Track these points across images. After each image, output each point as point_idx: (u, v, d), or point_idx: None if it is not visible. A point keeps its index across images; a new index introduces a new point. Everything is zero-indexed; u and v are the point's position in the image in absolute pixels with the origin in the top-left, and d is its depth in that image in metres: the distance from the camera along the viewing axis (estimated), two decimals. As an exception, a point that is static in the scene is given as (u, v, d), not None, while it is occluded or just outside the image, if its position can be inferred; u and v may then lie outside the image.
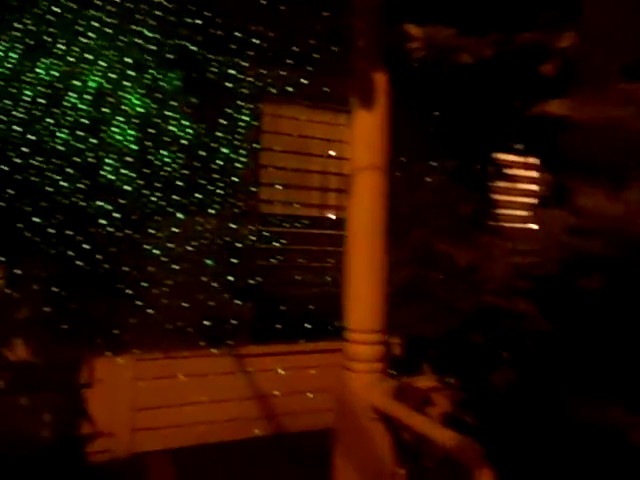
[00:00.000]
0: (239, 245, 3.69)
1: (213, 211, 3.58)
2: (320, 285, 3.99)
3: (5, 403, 3.01)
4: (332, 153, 4.23)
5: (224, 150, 3.65)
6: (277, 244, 3.91)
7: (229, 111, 3.67)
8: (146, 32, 3.36)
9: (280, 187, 3.98)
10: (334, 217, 4.20)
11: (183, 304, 3.43)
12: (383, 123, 2.63)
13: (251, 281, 3.73)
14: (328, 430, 2.72)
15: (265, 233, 3.86)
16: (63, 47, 3.21)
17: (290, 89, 3.90)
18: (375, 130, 2.62)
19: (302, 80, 3.91)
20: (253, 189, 3.81)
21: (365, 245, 2.64)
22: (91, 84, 3.26)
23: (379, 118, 2.62)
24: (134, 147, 3.35)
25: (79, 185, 3.20)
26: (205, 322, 3.49)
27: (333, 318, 3.86)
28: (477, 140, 3.37)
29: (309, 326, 3.85)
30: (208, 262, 3.56)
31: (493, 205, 3.60)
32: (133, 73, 3.36)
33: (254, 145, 3.80)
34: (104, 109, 3.28)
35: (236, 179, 3.67)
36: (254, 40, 3.73)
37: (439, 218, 3.30)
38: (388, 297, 2.67)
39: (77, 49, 3.24)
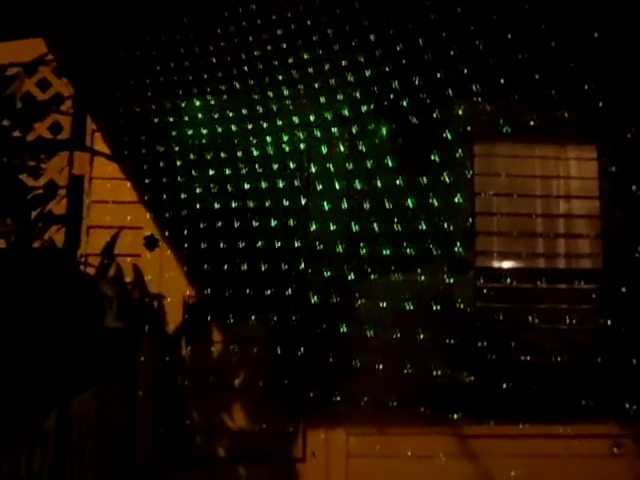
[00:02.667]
0: (455, 305, 3.22)
1: (425, 268, 3.21)
2: (557, 352, 3.27)
3: (223, 472, 2.94)
4: (558, 193, 3.57)
5: (434, 199, 3.29)
6: (499, 302, 3.34)
7: (437, 156, 3.32)
8: (349, 84, 3.26)
9: (499, 236, 3.44)
10: (566, 268, 3.48)
11: (396, 373, 3.07)
12: None
13: (472, 347, 3.21)
14: None
15: (484, 290, 3.33)
16: (273, 108, 3.25)
17: (505, 124, 3.41)
18: None
19: (517, 112, 3.40)
20: (468, 240, 3.34)
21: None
22: (300, 143, 3.24)
23: None
24: (342, 204, 3.20)
25: (290, 246, 3.13)
26: (422, 395, 3.07)
27: (580, 395, 3.11)
28: None
29: (548, 404, 3.14)
30: (422, 325, 3.16)
31: None
32: (338, 128, 3.26)
33: (467, 191, 3.36)
34: (312, 169, 3.22)
35: (449, 230, 3.26)
36: (460, 73, 3.38)
37: None
38: None
39: (286, 108, 3.27)
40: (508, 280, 3.37)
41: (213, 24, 3.23)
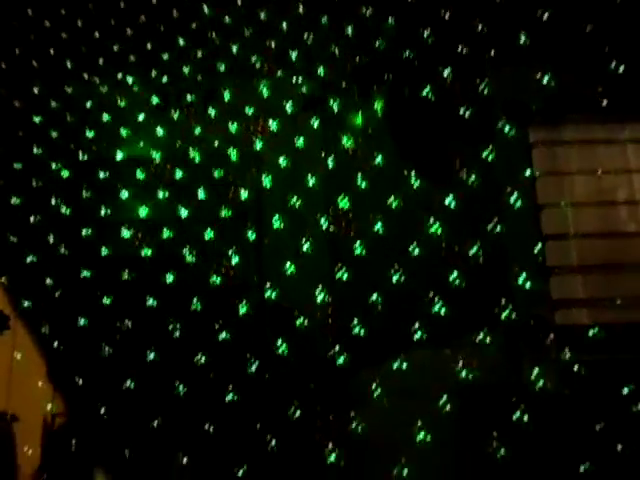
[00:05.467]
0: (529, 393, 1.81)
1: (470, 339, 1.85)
2: None
3: None
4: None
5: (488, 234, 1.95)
6: (600, 387, 1.87)
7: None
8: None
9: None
10: None
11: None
12: None
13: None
14: None
15: (576, 367, 1.87)
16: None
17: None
18: None
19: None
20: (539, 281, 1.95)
21: None
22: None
23: None
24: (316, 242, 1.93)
25: (235, 320, 1.87)
26: None
27: None
28: None
29: None
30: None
31: None
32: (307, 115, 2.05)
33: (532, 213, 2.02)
34: (265, 182, 2.01)
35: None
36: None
37: None
38: None
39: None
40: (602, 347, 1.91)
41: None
